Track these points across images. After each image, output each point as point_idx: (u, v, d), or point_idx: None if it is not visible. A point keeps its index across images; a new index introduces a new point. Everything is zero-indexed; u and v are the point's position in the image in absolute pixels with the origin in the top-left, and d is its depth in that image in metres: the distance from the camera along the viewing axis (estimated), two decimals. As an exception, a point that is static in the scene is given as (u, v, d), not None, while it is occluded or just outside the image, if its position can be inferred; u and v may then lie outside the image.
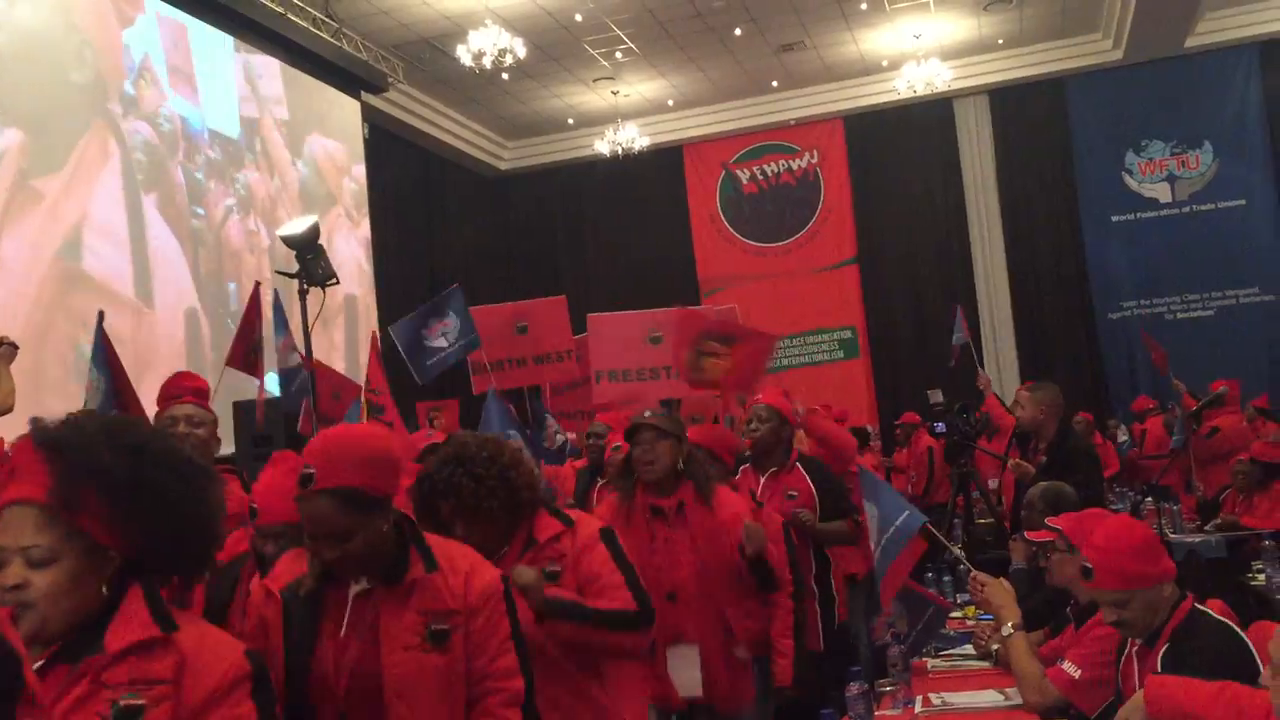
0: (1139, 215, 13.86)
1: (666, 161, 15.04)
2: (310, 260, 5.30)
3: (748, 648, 3.76)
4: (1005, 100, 14.25)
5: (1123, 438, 10.15)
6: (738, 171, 15.20)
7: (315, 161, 11.07)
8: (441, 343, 6.39)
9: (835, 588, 4.82)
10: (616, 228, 15.24)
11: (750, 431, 4.81)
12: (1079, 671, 3.17)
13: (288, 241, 5.36)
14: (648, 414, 3.92)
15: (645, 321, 7.39)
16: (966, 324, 9.35)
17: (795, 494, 4.67)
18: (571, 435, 7.56)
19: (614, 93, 13.83)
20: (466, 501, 2.72)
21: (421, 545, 2.33)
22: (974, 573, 3.85)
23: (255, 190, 10.12)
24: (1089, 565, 2.86)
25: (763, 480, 4.76)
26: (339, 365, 10.78)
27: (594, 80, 13.45)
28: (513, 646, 2.31)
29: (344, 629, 2.28)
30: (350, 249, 11.45)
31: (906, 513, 4.17)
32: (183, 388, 3.91)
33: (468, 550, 2.42)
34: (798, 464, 4.80)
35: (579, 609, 2.73)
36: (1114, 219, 13.89)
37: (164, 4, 9.10)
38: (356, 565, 2.29)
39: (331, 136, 11.35)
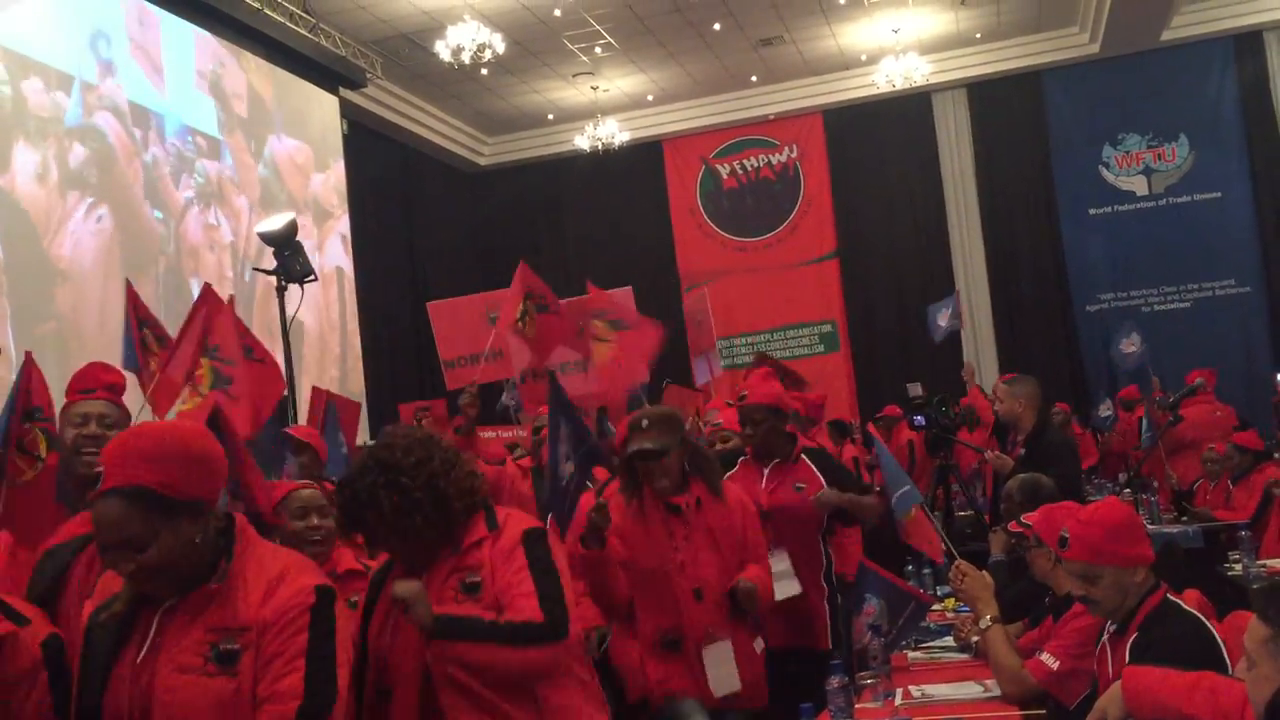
0: (1116, 208, 13.94)
1: (646, 156, 15.03)
2: (288, 257, 5.27)
3: (764, 640, 3.79)
4: (983, 94, 14.29)
5: (1105, 413, 10.18)
6: (718, 166, 15.21)
7: (290, 158, 11.01)
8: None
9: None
10: (597, 222, 15.22)
11: (747, 438, 4.59)
12: (1057, 663, 3.20)
13: (265, 238, 5.33)
14: (644, 423, 3.72)
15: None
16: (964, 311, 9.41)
17: (803, 486, 4.47)
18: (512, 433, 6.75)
19: (594, 88, 13.81)
20: (388, 516, 2.42)
21: (230, 553, 2.06)
22: (958, 562, 3.86)
23: (226, 186, 10.05)
24: (1066, 535, 2.88)
25: (766, 473, 4.52)
26: (319, 362, 10.75)
27: (573, 75, 13.43)
28: (303, 665, 1.98)
29: (141, 653, 2.01)
30: (329, 245, 11.40)
31: (906, 487, 4.17)
32: (97, 380, 3.47)
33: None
34: (803, 455, 4.58)
35: (471, 624, 2.38)
36: (1091, 212, 13.96)
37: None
38: (157, 580, 2.00)
39: (310, 132, 11.29)
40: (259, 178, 10.44)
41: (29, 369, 3.44)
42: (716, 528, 3.67)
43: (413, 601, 2.34)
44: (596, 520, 3.31)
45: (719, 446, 4.75)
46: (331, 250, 11.42)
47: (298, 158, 11.07)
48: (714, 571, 3.61)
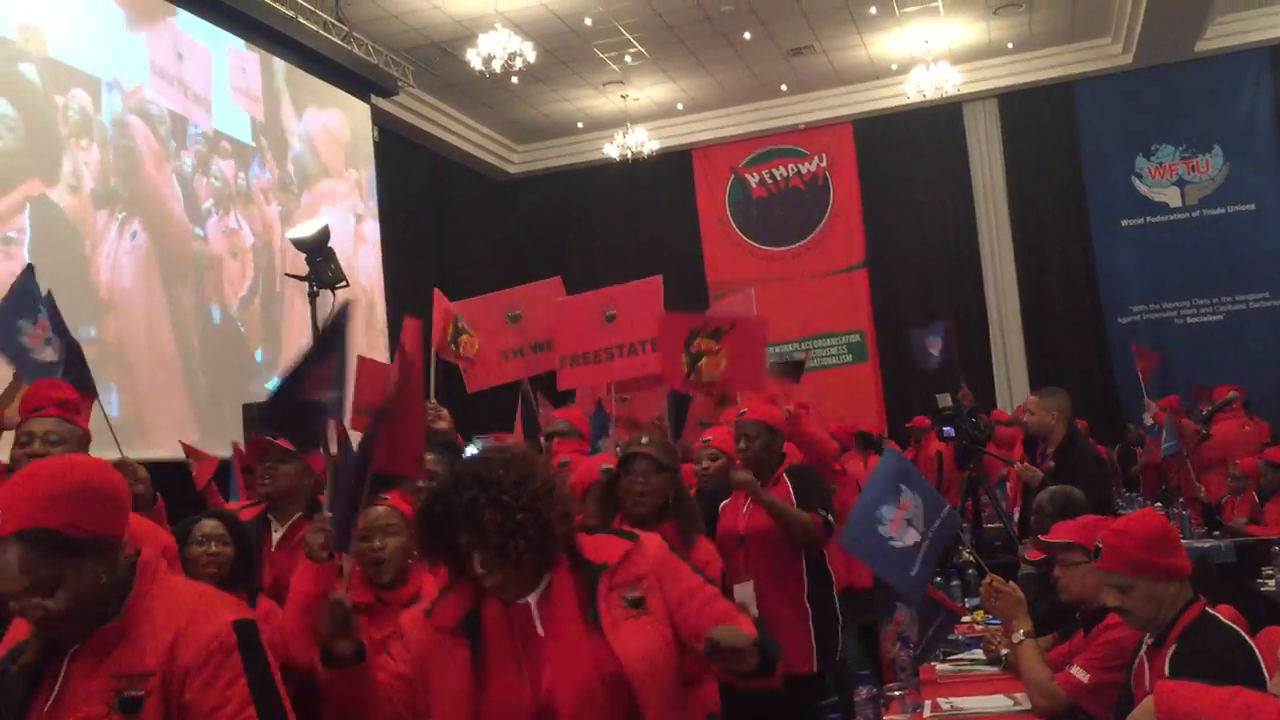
0: (1149, 219, 13.83)
1: (675, 165, 15.04)
2: (320, 263, 5.32)
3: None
4: (1014, 104, 14.23)
5: (1149, 420, 10.08)
6: (747, 175, 15.20)
7: (322, 164, 11.09)
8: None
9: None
10: (625, 231, 15.24)
11: (740, 451, 4.46)
12: (1088, 676, 3.17)
13: (298, 244, 5.38)
14: (645, 440, 3.69)
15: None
16: (956, 345, 9.30)
17: (768, 495, 4.32)
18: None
19: (623, 96, 13.84)
20: (489, 538, 2.16)
21: (137, 590, 1.91)
22: (990, 576, 3.82)
23: (261, 192, 10.14)
24: (1100, 544, 2.86)
25: (748, 499, 4.38)
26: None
27: (603, 84, 13.47)
28: (254, 713, 1.85)
29: (49, 703, 1.88)
30: (360, 251, 11.47)
31: (946, 508, 3.96)
32: (46, 398, 3.42)
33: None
34: (784, 475, 4.47)
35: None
36: (1123, 223, 13.86)
37: (175, 5, 9.13)
38: (66, 626, 1.87)
39: (340, 140, 11.37)
40: (289, 183, 10.52)
41: None
42: None
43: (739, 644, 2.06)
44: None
45: (706, 465, 4.59)
46: (361, 257, 11.48)
47: (332, 165, 11.15)
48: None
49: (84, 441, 3.40)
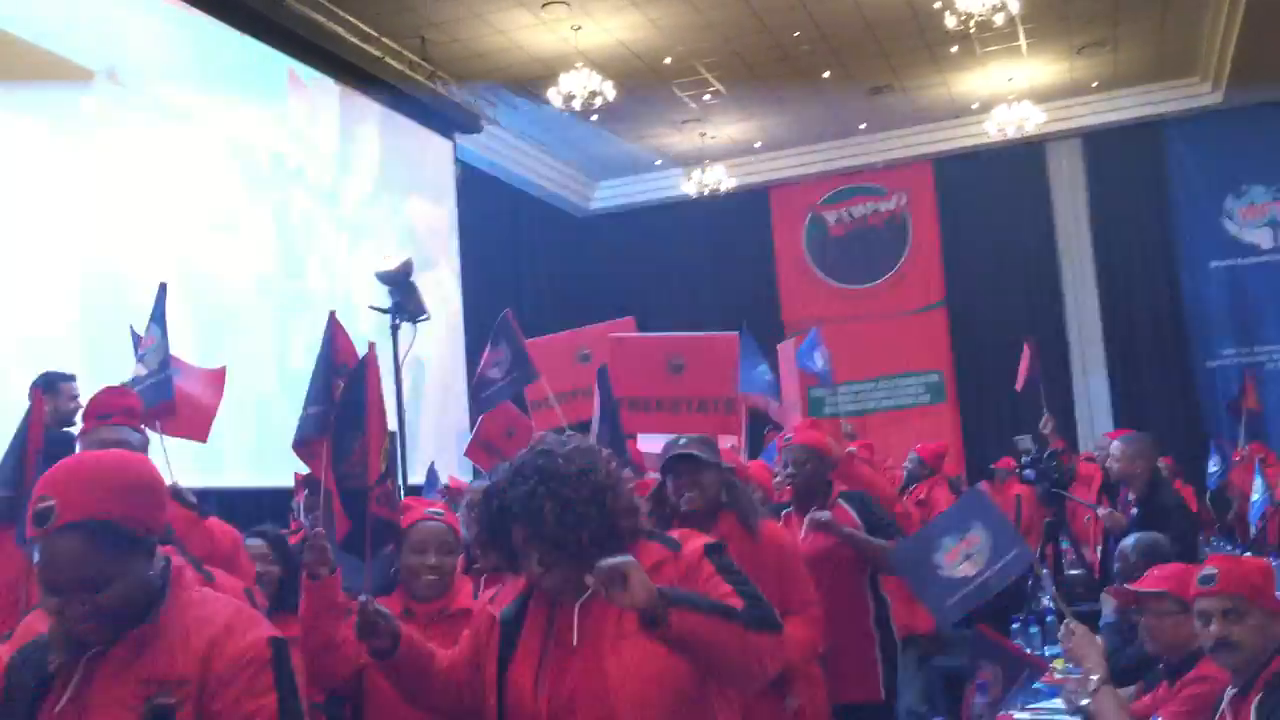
0: (1239, 261, 13.51)
1: (752, 203, 15.06)
2: (403, 296, 5.40)
3: (797, 693, 3.50)
4: (1099, 143, 14.02)
5: (1213, 468, 9.83)
6: (825, 213, 15.16)
7: (417, 208, 11.32)
8: (494, 374, 5.78)
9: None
10: (702, 268, 15.27)
11: (788, 478, 4.36)
12: (1172, 729, 3.09)
13: (382, 278, 5.48)
14: (683, 441, 3.59)
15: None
16: (1035, 364, 9.19)
17: (848, 527, 4.22)
18: None
19: (701, 134, 13.92)
20: (549, 531, 2.10)
21: (165, 594, 1.84)
22: (1068, 620, 3.71)
23: (341, 226, 10.36)
24: (1214, 571, 2.79)
25: (806, 521, 4.28)
26: (430, 402, 10.94)
27: (681, 122, 13.56)
28: None
29: (61, 704, 1.79)
30: (440, 286, 11.64)
31: (1016, 550, 3.72)
32: (111, 406, 3.33)
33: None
34: (839, 500, 4.37)
35: (694, 598, 2.06)
36: (1213, 264, 13.55)
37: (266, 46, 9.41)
38: (106, 624, 1.78)
39: (424, 176, 11.58)
40: (375, 221, 10.73)
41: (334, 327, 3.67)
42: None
43: (629, 570, 1.90)
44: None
45: (791, 470, 4.38)
46: (442, 291, 11.65)
47: (415, 201, 11.36)
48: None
49: (145, 445, 3.35)
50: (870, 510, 4.38)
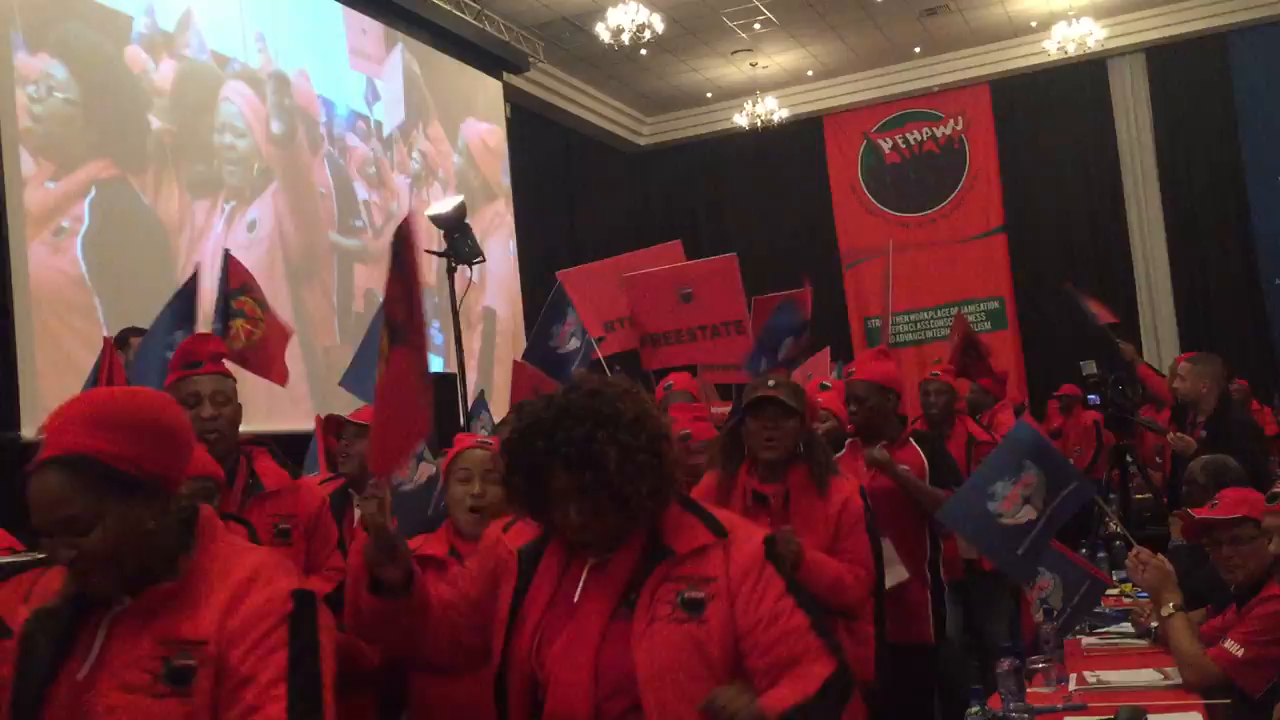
0: (1311, 176, 13.11)
1: (806, 133, 14.85)
2: (457, 239, 5.42)
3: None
4: (1163, 58, 13.60)
5: None
6: (879, 141, 14.92)
7: (468, 149, 11.30)
8: (574, 344, 5.44)
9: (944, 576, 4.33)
10: (756, 201, 15.14)
11: (851, 416, 4.30)
12: (1242, 650, 3.07)
13: (435, 220, 5.49)
14: (771, 383, 3.43)
15: (673, 278, 6.25)
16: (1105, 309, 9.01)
17: (906, 469, 4.22)
18: None
19: (752, 65, 13.72)
20: (610, 479, 1.89)
21: (190, 549, 1.71)
22: (1136, 549, 3.67)
23: (393, 170, 10.39)
24: None
25: (865, 457, 4.21)
26: (479, 345, 11.02)
27: (732, 53, 13.37)
28: (284, 691, 1.59)
29: (85, 667, 1.66)
30: (493, 226, 11.66)
31: (1075, 484, 3.66)
32: (200, 354, 3.17)
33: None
34: (911, 439, 4.34)
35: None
36: (1281, 180, 13.17)
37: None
38: (102, 573, 1.64)
39: (473, 117, 11.56)
40: (421, 162, 10.75)
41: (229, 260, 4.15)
42: (804, 526, 3.23)
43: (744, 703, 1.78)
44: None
45: (853, 408, 4.34)
46: (494, 231, 11.68)
47: (466, 141, 11.35)
48: (800, 575, 3.00)
49: (235, 390, 3.22)
50: (939, 451, 4.35)
